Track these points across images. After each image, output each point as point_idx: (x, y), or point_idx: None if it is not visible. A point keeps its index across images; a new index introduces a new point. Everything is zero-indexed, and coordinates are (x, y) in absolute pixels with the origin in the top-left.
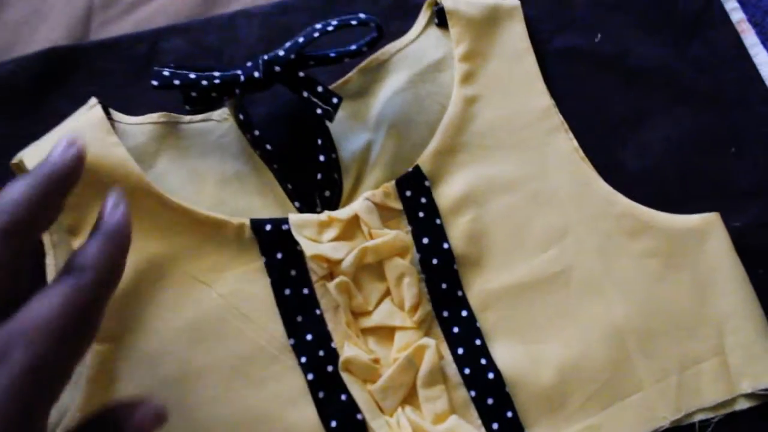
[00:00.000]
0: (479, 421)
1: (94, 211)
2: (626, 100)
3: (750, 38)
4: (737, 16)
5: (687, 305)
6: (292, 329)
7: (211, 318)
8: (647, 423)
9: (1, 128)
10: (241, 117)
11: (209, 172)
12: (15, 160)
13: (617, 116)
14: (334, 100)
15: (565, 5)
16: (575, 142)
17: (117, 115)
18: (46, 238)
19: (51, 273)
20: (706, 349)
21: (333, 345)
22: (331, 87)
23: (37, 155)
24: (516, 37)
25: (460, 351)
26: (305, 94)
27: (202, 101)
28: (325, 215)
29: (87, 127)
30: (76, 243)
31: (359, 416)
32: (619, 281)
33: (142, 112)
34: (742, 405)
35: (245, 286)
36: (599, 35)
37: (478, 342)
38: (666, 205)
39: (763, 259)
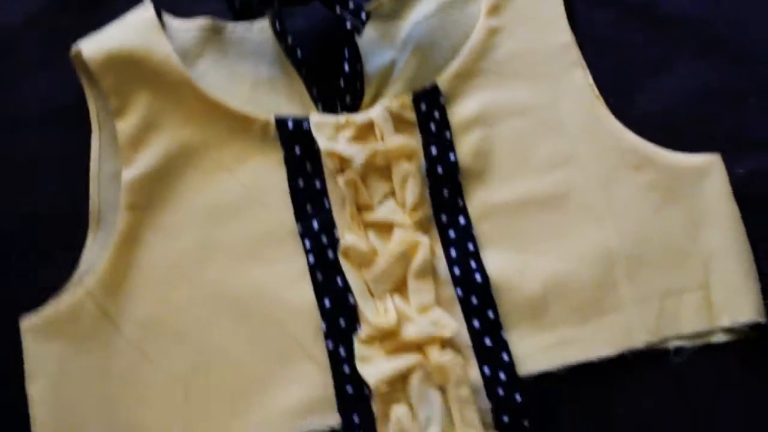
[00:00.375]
0: (461, 316)
1: (138, 97)
2: (651, 47)
3: None
4: None
5: (678, 239)
6: (300, 216)
7: (229, 201)
8: (623, 341)
9: (66, 23)
10: (278, 27)
11: (245, 75)
12: (73, 50)
13: (639, 61)
14: (363, 16)
15: None
16: (590, 79)
17: (167, 18)
18: (94, 120)
19: (95, 151)
20: (691, 282)
21: (336, 234)
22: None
23: (92, 46)
24: None
25: (453, 253)
26: (338, 9)
27: (244, 12)
28: (343, 118)
29: (140, 24)
30: (120, 125)
31: (351, 299)
32: (615, 209)
33: None
34: (719, 338)
35: (264, 176)
36: None
37: (471, 247)
38: (677, 148)
39: (764, 206)
